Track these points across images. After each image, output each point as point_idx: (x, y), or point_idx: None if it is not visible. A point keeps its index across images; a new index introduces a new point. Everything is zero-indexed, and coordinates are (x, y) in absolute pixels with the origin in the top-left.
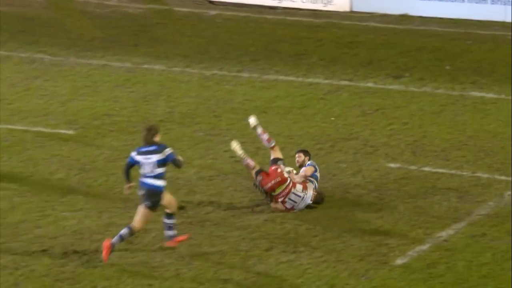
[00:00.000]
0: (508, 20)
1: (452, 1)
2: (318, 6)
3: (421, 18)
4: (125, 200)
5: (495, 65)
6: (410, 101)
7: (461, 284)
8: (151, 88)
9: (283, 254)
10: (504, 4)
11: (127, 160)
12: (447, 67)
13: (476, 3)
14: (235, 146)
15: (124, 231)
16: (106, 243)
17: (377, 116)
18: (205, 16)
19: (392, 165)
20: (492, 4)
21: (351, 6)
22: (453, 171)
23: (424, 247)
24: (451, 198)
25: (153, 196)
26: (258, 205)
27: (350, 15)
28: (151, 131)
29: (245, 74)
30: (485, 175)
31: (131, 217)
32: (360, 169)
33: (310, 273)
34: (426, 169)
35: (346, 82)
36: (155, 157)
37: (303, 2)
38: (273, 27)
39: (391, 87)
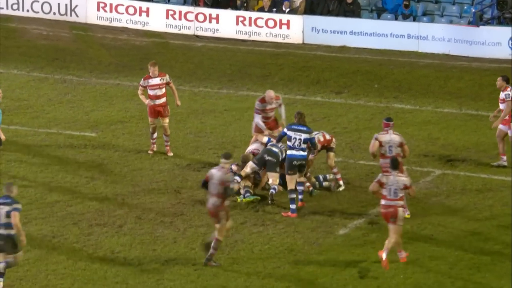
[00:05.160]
0: (420, 50)
1: (379, 36)
2: (279, 39)
3: (356, 48)
4: (135, 185)
5: (411, 84)
6: (348, 111)
7: None
8: None
9: (254, 227)
10: (417, 39)
11: (280, 133)
12: (376, 86)
13: (396, 38)
14: None
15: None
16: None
17: (324, 122)
18: (193, 46)
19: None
20: (408, 39)
21: (303, 39)
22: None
23: (361, 220)
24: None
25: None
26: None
27: (303, 46)
28: (303, 115)
29: (224, 91)
30: (405, 166)
31: (139, 199)
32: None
33: (275, 241)
34: (361, 162)
35: (300, 97)
36: (303, 135)
37: (267, 36)
38: (245, 55)
39: (334, 100)
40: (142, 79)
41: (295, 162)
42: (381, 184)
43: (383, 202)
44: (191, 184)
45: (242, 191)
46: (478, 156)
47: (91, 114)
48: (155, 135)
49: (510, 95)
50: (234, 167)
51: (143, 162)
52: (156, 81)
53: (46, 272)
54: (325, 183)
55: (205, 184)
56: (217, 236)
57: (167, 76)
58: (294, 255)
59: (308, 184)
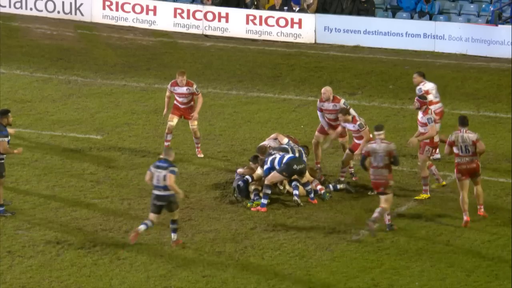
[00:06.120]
0: (437, 50)
1: (394, 36)
2: (290, 39)
3: (370, 48)
4: (141, 190)
5: None
6: (362, 113)
7: (402, 255)
8: (160, 103)
9: (264, 232)
10: (434, 38)
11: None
12: (390, 87)
13: (412, 37)
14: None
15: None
16: None
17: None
18: (202, 46)
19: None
20: (424, 38)
21: (315, 39)
22: (396, 167)
23: (375, 226)
24: (394, 189)
25: None
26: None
27: (315, 46)
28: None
29: (234, 92)
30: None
31: (146, 203)
32: (323, 166)
33: (285, 246)
34: None
35: (312, 98)
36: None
37: (278, 36)
38: (255, 55)
39: (347, 102)
40: (169, 84)
41: (295, 167)
42: (451, 144)
43: (457, 159)
44: (199, 188)
45: (252, 195)
46: (496, 159)
47: (96, 116)
48: (169, 136)
49: (422, 89)
50: (240, 170)
51: (150, 166)
52: (182, 90)
53: (50, 279)
54: (339, 186)
55: (364, 161)
56: (383, 205)
57: (195, 86)
58: (305, 261)
59: (320, 187)
